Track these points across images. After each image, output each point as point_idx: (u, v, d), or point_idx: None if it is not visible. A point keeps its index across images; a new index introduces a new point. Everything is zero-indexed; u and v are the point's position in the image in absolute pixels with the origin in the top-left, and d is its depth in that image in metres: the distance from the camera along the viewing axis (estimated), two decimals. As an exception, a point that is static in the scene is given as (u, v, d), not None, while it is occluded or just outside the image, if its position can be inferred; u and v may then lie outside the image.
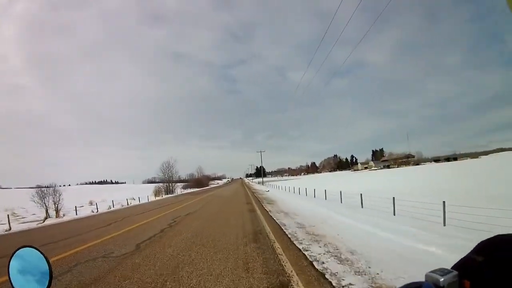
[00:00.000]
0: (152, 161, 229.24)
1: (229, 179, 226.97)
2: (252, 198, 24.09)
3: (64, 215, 21.57)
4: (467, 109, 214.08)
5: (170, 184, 53.59)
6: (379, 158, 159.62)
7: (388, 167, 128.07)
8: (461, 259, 0.59)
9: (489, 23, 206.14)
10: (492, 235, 0.59)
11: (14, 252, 0.87)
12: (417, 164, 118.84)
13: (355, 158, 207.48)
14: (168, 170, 53.94)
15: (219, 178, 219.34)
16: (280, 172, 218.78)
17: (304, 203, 17.13)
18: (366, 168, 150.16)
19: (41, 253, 0.85)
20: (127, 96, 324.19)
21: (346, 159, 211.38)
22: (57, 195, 22.39)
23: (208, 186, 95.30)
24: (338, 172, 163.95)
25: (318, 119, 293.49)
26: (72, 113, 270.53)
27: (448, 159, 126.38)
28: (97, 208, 24.42)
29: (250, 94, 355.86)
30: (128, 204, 28.64)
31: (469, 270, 0.54)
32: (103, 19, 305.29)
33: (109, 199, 34.60)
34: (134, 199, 34.50)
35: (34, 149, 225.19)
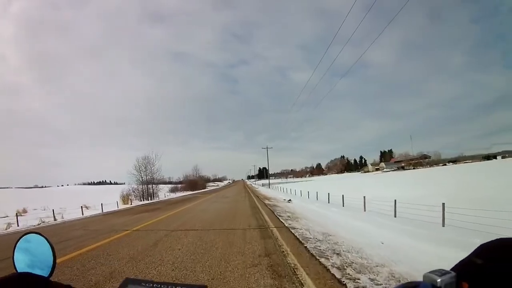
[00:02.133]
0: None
1: (230, 181, 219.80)
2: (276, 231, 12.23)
3: None
4: (471, 111, 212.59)
5: (151, 187, 42.05)
6: (388, 159, 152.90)
7: (403, 168, 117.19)
8: (461, 261, 0.58)
9: (494, 23, 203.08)
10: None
11: (20, 238, 0.86)
12: (432, 166, 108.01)
13: (364, 159, 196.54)
14: (146, 168, 42.34)
15: (220, 180, 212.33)
16: (283, 174, 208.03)
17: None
18: (377, 169, 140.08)
19: (46, 239, 0.85)
20: (127, 96, 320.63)
21: (355, 160, 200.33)
22: None
23: (205, 188, 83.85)
24: (347, 174, 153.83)
25: (321, 120, 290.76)
26: (71, 113, 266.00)
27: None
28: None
29: (252, 94, 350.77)
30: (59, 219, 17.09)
31: (468, 272, 0.53)
32: (103, 18, 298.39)
33: (91, 202, 27.63)
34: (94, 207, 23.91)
35: (34, 149, 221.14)
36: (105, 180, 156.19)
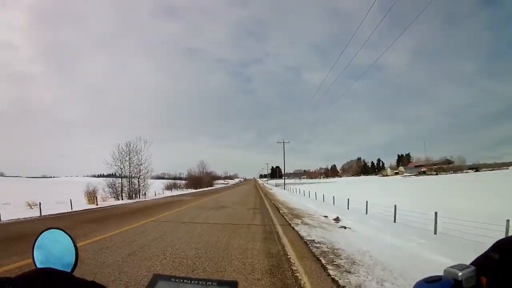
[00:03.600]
0: (164, 157, 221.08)
1: (241, 179, 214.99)
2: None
3: None
4: (481, 119, 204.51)
5: (137, 182, 33.54)
6: (405, 163, 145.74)
7: (424, 173, 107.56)
8: (479, 256, 0.59)
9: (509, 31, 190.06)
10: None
11: (40, 233, 0.83)
12: (456, 172, 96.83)
13: (382, 162, 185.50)
14: (130, 159, 33.71)
15: (231, 178, 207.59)
16: (297, 175, 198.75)
17: None
18: (396, 173, 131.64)
19: (69, 235, 0.82)
20: (139, 90, 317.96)
21: (372, 163, 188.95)
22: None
23: (211, 186, 75.34)
24: (364, 177, 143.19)
25: (334, 122, 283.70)
26: (82, 105, 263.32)
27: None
28: None
29: (265, 94, 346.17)
30: None
31: (486, 267, 0.54)
32: (116, 11, 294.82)
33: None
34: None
35: (45, 140, 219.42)
36: (115, 173, 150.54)
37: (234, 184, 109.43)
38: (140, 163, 34.87)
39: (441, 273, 0.54)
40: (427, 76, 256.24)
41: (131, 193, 32.76)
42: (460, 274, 0.51)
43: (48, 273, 0.66)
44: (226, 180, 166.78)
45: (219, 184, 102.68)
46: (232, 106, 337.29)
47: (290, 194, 35.83)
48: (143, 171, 34.98)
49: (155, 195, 35.42)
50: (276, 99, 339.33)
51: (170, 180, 62.64)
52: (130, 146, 34.07)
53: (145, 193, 34.92)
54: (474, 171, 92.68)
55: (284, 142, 57.06)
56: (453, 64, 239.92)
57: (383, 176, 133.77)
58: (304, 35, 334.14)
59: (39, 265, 0.78)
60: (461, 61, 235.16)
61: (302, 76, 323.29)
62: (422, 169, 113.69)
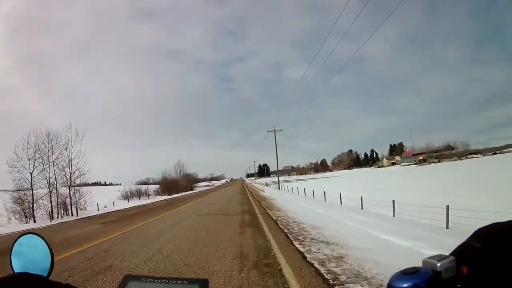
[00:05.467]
0: (149, 161, 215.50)
1: (228, 180, 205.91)
2: None
3: None
4: (468, 106, 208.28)
5: (67, 191, 21.67)
6: (399, 152, 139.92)
7: (425, 161, 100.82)
8: (459, 245, 0.58)
9: (492, 17, 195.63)
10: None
11: (17, 239, 0.85)
12: (461, 158, 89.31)
13: (376, 153, 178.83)
14: (50, 157, 21.58)
15: (217, 179, 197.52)
16: (286, 171, 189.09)
17: None
18: (393, 163, 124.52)
19: (44, 239, 0.83)
20: (120, 96, 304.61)
21: (366, 154, 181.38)
22: None
23: (191, 190, 63.53)
24: (359, 170, 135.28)
25: (319, 118, 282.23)
26: (64, 113, 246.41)
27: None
28: None
29: (247, 92, 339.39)
30: None
31: (467, 256, 0.53)
32: (93, 16, 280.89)
33: None
34: None
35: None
36: (99, 181, 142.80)
37: (219, 186, 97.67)
38: (70, 164, 22.96)
39: (420, 265, 0.52)
40: (411, 65, 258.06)
41: (59, 209, 21.05)
42: (439, 264, 0.50)
43: (23, 276, 0.68)
44: (212, 182, 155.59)
45: (201, 187, 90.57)
46: (215, 106, 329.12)
47: (290, 196, 24.92)
48: (76, 174, 23.10)
49: (98, 210, 23.83)
50: (259, 97, 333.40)
51: (137, 186, 50.53)
52: (51, 140, 22.06)
53: (83, 206, 23.30)
54: (492, 154, 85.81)
55: (275, 131, 46.37)
56: (437, 52, 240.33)
57: (379, 167, 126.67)
58: (284, 30, 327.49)
59: (16, 270, 0.78)
60: (445, 48, 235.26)
61: (284, 73, 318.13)
62: (421, 157, 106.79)
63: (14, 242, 0.83)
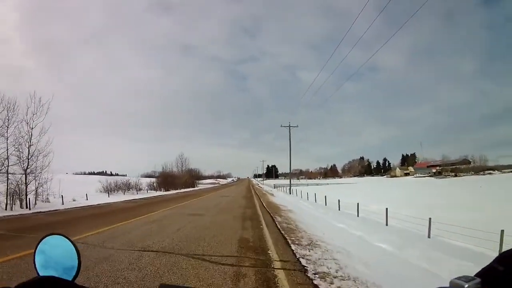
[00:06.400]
0: (156, 155, 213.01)
1: (234, 179, 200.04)
2: None
3: None
4: (477, 121, 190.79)
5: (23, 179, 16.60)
6: (411, 163, 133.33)
7: (440, 174, 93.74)
8: (484, 267, 0.60)
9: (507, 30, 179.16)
10: None
11: (42, 239, 0.82)
12: (478, 173, 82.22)
13: (388, 162, 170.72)
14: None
15: (224, 177, 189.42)
16: (294, 175, 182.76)
17: None
18: (406, 174, 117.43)
19: (71, 241, 0.81)
20: (133, 88, 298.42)
21: (378, 162, 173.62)
22: None
23: (193, 187, 58.16)
24: (374, 178, 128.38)
25: (330, 122, 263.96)
26: (75, 101, 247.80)
27: None
28: None
29: (259, 92, 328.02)
30: None
31: (491, 279, 0.55)
32: (109, 4, 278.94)
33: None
34: None
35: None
36: (106, 171, 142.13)
37: (223, 184, 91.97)
38: (29, 144, 17.79)
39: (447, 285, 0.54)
40: (424, 76, 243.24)
41: (8, 198, 15.96)
42: (466, 286, 0.51)
43: (47, 281, 0.65)
44: (218, 179, 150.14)
45: (205, 184, 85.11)
46: (226, 104, 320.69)
47: (316, 208, 19.21)
48: (37, 156, 17.95)
49: (63, 203, 18.65)
50: (271, 98, 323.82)
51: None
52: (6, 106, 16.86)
53: (45, 198, 18.36)
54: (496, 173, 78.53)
55: (290, 126, 40.50)
56: (448, 64, 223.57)
57: (392, 176, 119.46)
58: (300, 32, 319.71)
59: (40, 271, 0.76)
60: (458, 61, 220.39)
61: (297, 75, 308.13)
62: (436, 169, 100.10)
63: (39, 242, 0.79)
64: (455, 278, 0.53)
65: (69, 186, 30.24)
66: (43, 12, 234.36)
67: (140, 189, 37.44)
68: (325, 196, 21.67)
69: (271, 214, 12.67)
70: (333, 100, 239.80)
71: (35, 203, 17.22)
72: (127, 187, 34.90)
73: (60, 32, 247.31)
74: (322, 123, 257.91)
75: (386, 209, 12.07)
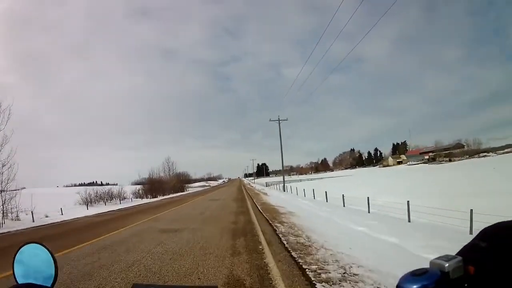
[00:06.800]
0: (146, 161, 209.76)
1: (225, 180, 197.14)
2: None
3: None
4: (466, 106, 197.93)
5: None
6: (402, 151, 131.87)
7: (434, 160, 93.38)
8: (466, 245, 0.59)
9: (491, 17, 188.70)
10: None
11: (19, 248, 0.83)
12: (473, 157, 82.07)
13: (380, 152, 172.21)
14: None
15: (214, 179, 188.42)
16: (285, 171, 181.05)
17: None
18: (399, 163, 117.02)
19: (47, 249, 0.81)
20: (117, 96, 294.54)
21: (369, 153, 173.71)
22: None
23: (182, 191, 54.95)
24: (364, 169, 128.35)
25: (317, 117, 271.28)
26: (59, 113, 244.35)
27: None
28: None
29: (245, 92, 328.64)
30: None
31: (473, 256, 0.54)
32: (88, 15, 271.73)
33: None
34: None
35: (19, 150, 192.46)
36: (96, 181, 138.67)
37: (214, 186, 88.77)
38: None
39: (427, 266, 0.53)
40: (409, 64, 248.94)
41: None
42: (446, 265, 0.50)
43: None
44: (208, 182, 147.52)
45: (195, 187, 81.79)
46: (213, 105, 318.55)
47: (320, 206, 16.71)
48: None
49: (33, 221, 15.95)
50: (257, 96, 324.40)
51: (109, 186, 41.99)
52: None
53: (14, 215, 16.44)
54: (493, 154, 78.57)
55: (279, 120, 37.98)
56: (433, 51, 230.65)
57: (384, 166, 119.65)
58: (281, 29, 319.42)
59: (19, 280, 0.76)
60: (444, 48, 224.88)
61: (282, 72, 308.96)
62: (429, 156, 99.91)
63: (17, 252, 0.79)
64: (435, 258, 0.52)
65: (54, 199, 27.83)
66: (23, 25, 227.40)
67: (124, 198, 34.27)
68: (326, 192, 19.48)
69: (270, 221, 9.98)
70: (320, 94, 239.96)
71: (4, 222, 14.94)
72: (109, 196, 31.71)
73: (39, 44, 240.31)
74: (310, 118, 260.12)
75: (408, 202, 10.37)
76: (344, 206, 15.69)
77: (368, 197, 13.49)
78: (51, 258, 0.78)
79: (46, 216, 18.36)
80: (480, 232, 0.58)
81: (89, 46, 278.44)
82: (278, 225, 9.29)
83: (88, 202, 26.73)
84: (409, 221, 10.09)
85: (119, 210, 22.21)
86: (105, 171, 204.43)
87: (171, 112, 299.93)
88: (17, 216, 16.83)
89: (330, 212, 13.25)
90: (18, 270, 0.78)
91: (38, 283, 0.71)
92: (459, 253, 0.55)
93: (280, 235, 7.52)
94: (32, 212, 17.28)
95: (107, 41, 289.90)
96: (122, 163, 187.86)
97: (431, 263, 0.52)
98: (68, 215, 18.99)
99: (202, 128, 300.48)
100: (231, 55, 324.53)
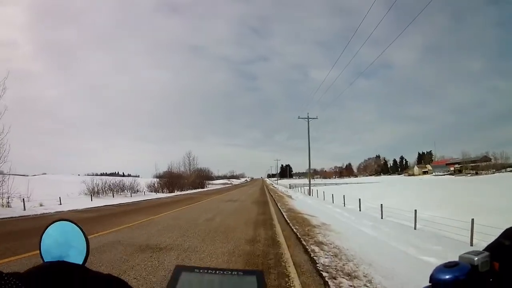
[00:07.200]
0: (170, 156, 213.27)
1: (247, 179, 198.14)
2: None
3: None
4: (490, 118, 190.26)
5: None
6: (428, 161, 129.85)
7: (460, 172, 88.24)
8: (491, 242, 0.61)
9: None
10: None
11: (48, 225, 0.76)
12: (500, 171, 75.14)
13: (406, 160, 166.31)
14: None
15: (237, 177, 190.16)
16: (310, 174, 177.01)
17: None
18: (425, 173, 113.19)
19: (79, 226, 0.76)
20: (142, 88, 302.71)
21: (395, 160, 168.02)
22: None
23: (202, 188, 52.97)
24: (389, 177, 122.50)
25: (343, 121, 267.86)
26: (85, 103, 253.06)
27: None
28: None
29: (271, 92, 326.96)
30: None
31: (498, 253, 0.56)
32: (118, 6, 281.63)
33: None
34: None
35: (46, 138, 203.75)
36: (118, 172, 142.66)
37: (236, 185, 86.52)
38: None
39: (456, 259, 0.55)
40: (437, 74, 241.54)
41: None
42: (476, 259, 0.52)
43: (60, 266, 0.61)
44: (231, 180, 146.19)
45: (216, 184, 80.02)
46: (238, 104, 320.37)
47: (363, 218, 13.44)
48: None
49: (24, 209, 14.41)
50: (282, 97, 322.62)
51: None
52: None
53: (5, 202, 15.78)
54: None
55: (308, 118, 34.71)
56: (460, 61, 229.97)
57: (409, 175, 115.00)
58: (310, 31, 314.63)
59: (46, 259, 0.71)
60: (469, 58, 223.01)
61: (308, 74, 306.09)
62: (455, 167, 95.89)
63: (45, 229, 0.73)
64: (465, 253, 0.54)
65: (66, 187, 26.80)
66: (52, 14, 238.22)
67: (137, 191, 32.36)
68: (359, 200, 16.83)
69: (302, 240, 7.04)
70: (347, 98, 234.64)
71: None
72: (120, 188, 29.83)
73: (67, 34, 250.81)
74: (335, 121, 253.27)
75: (472, 220, 8.45)
76: (381, 218, 13.17)
77: (415, 210, 10.93)
78: (83, 236, 0.71)
79: (41, 205, 16.76)
80: (505, 231, 0.59)
81: (118, 38, 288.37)
82: (316, 248, 6.35)
83: (93, 192, 24.85)
84: (471, 244, 8.50)
85: (124, 204, 20.04)
86: (130, 163, 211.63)
87: (196, 109, 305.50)
88: (8, 202, 15.48)
89: (373, 227, 10.26)
90: (45, 248, 0.70)
91: (69, 259, 0.64)
92: (486, 249, 0.57)
93: (323, 272, 4.49)
94: (23, 199, 15.54)
95: (137, 35, 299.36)
96: (146, 157, 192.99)
97: (460, 257, 0.54)
98: (66, 206, 17.32)
99: (226, 126, 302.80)
100: (258, 54, 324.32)
